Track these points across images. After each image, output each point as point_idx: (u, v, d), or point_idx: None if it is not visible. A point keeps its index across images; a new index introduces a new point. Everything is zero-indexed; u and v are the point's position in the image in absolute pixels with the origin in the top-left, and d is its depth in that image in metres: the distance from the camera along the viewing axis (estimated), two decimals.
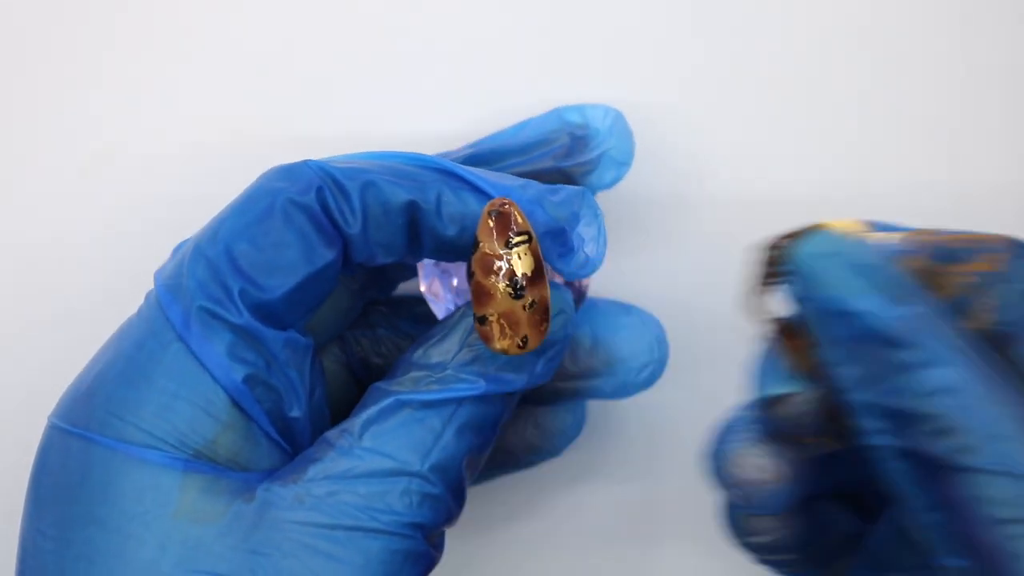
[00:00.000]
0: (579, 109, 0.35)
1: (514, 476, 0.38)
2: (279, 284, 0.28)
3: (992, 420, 0.24)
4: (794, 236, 0.28)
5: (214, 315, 0.28)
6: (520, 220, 0.28)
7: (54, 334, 0.38)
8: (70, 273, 0.38)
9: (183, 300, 0.28)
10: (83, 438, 0.28)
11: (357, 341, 0.35)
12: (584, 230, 0.30)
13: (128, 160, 0.38)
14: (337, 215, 0.29)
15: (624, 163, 0.35)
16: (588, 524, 0.39)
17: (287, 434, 0.29)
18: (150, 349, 0.28)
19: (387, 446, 0.28)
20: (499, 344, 0.29)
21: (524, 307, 0.28)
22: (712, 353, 0.39)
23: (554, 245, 0.30)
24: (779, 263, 0.28)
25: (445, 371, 0.29)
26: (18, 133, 0.38)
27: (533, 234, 0.28)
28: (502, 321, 0.28)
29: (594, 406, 0.38)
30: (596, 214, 0.30)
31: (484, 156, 0.34)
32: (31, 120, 0.38)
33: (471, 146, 0.35)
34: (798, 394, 0.29)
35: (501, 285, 0.28)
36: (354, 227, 0.29)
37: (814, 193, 0.38)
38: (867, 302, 0.25)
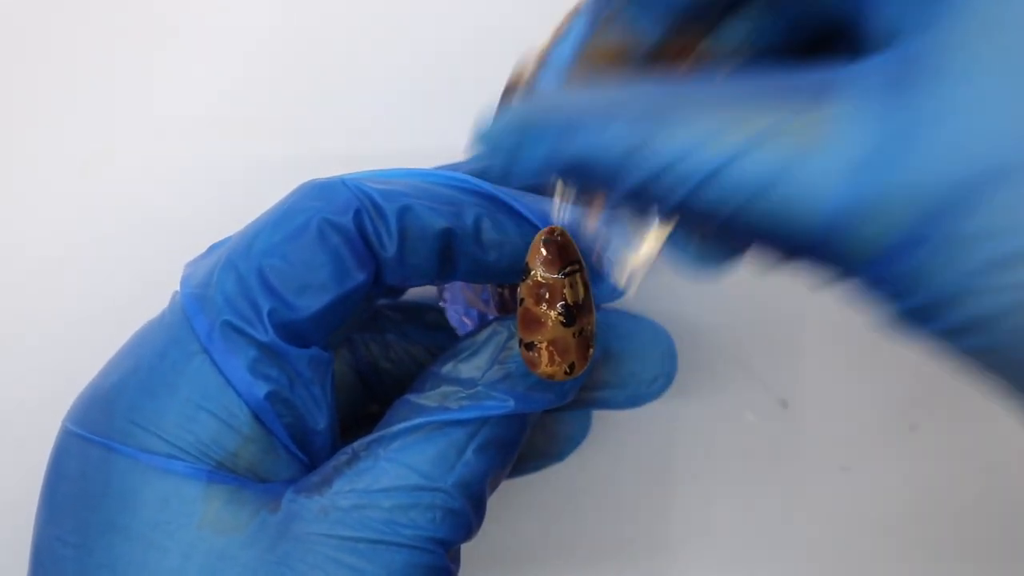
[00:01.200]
0: None
1: (517, 480, 0.38)
2: (309, 304, 0.28)
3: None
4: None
5: (239, 331, 0.28)
6: (572, 248, 0.28)
7: (54, 334, 0.38)
8: (69, 273, 0.38)
9: (209, 312, 0.28)
10: (104, 447, 0.28)
11: (366, 345, 0.35)
12: (614, 255, 0.30)
13: (128, 160, 0.38)
14: (373, 238, 0.29)
15: None
16: (591, 529, 0.39)
17: (306, 447, 0.29)
18: (173, 359, 0.28)
19: (413, 461, 0.28)
20: (546, 370, 0.29)
21: (574, 335, 0.28)
22: (715, 362, 0.39)
23: (589, 268, 0.30)
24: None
25: (476, 387, 0.29)
26: (18, 133, 0.38)
27: (583, 263, 0.29)
28: (551, 348, 0.28)
29: (599, 412, 0.38)
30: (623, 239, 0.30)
31: None
32: (31, 120, 0.38)
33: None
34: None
35: (553, 314, 0.28)
36: (390, 250, 0.29)
37: None
38: (535, 154, 0.24)
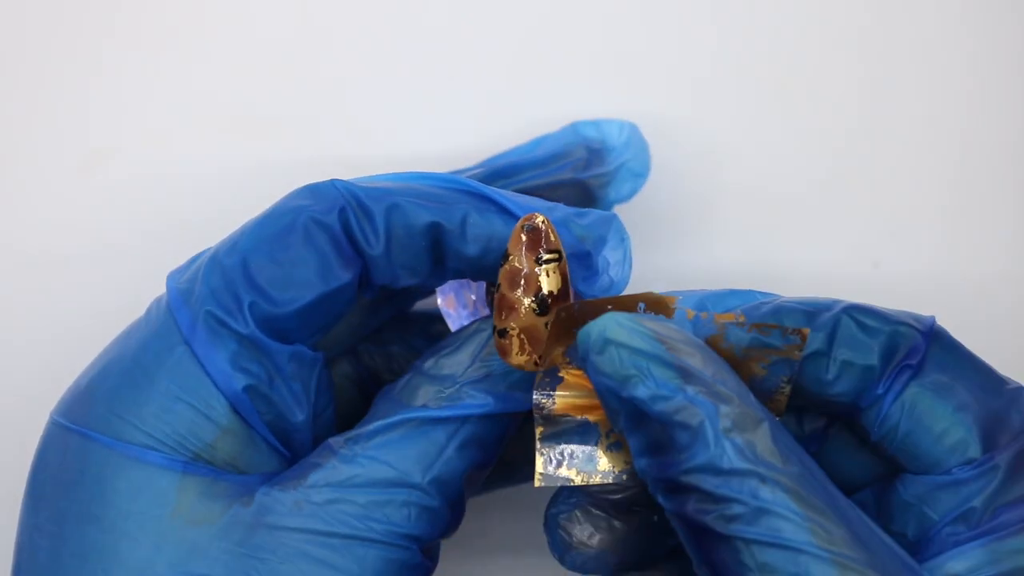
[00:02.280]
0: (595, 124, 0.36)
1: (514, 488, 0.38)
2: (291, 300, 0.28)
3: (760, 495, 0.25)
4: (587, 310, 0.27)
5: (221, 323, 0.28)
6: (552, 238, 0.28)
7: (52, 332, 0.38)
8: (68, 272, 0.38)
9: (193, 305, 0.28)
10: (82, 435, 0.28)
11: (370, 357, 0.34)
12: (610, 253, 0.30)
13: (127, 160, 0.38)
14: (359, 236, 0.29)
15: (641, 175, 0.36)
16: None
17: (287, 443, 0.29)
18: (155, 350, 0.28)
19: (390, 457, 0.28)
20: (516, 359, 0.28)
21: (546, 324, 0.28)
22: None
23: (579, 268, 0.30)
24: (571, 328, 0.28)
25: (455, 385, 0.29)
26: (17, 131, 0.38)
27: (563, 254, 0.28)
28: (522, 336, 0.28)
29: None
30: (623, 238, 0.30)
31: (502, 170, 0.34)
32: (30, 119, 0.38)
33: (487, 162, 0.35)
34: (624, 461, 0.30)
35: (526, 300, 0.28)
36: (376, 248, 0.29)
37: (831, 197, 0.38)
38: (639, 390, 0.26)
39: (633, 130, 0.36)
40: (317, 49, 0.38)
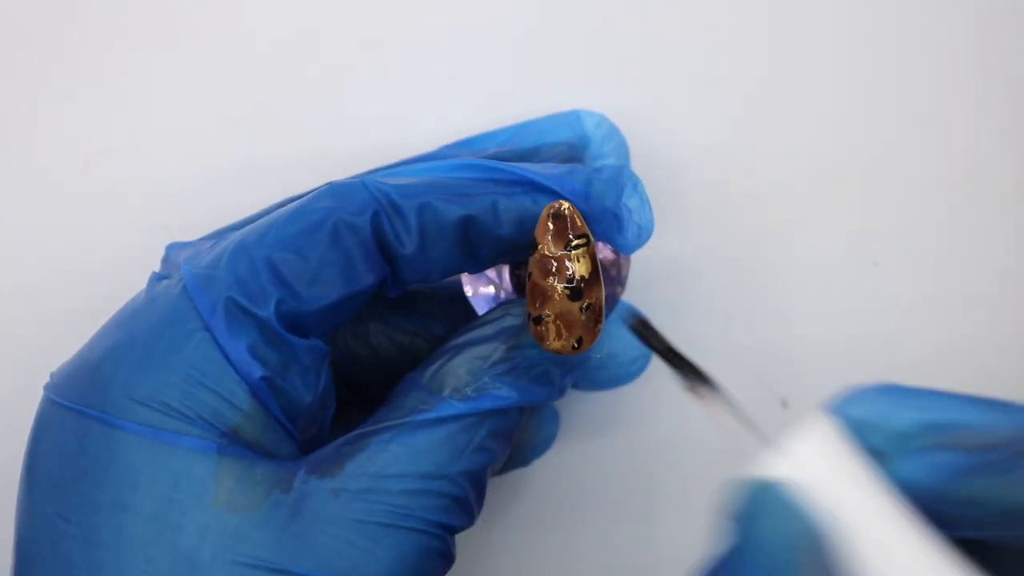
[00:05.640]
0: (574, 115, 0.36)
1: (522, 487, 0.38)
2: (317, 298, 0.29)
3: None
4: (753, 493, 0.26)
5: (243, 310, 0.28)
6: (579, 223, 0.29)
7: (53, 332, 0.37)
8: (69, 271, 0.38)
9: (215, 291, 0.28)
10: (103, 421, 0.28)
11: (351, 333, 0.34)
12: (628, 201, 0.31)
13: (129, 159, 0.38)
14: (391, 237, 0.29)
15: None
16: (587, 532, 0.40)
17: (297, 428, 0.29)
18: (172, 336, 0.28)
19: (424, 449, 0.29)
20: (554, 344, 0.29)
21: (581, 309, 0.29)
22: (715, 362, 0.39)
23: (612, 221, 0.31)
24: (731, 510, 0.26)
25: (482, 379, 0.30)
26: (19, 131, 0.38)
27: (591, 236, 0.29)
28: (558, 322, 0.29)
29: (579, 425, 0.39)
30: (635, 184, 0.31)
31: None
32: (32, 118, 0.38)
33: (463, 144, 0.35)
34: None
35: (560, 287, 0.29)
36: (409, 247, 0.29)
37: (831, 196, 0.39)
38: None
39: (612, 127, 0.36)
40: (317, 48, 0.38)
